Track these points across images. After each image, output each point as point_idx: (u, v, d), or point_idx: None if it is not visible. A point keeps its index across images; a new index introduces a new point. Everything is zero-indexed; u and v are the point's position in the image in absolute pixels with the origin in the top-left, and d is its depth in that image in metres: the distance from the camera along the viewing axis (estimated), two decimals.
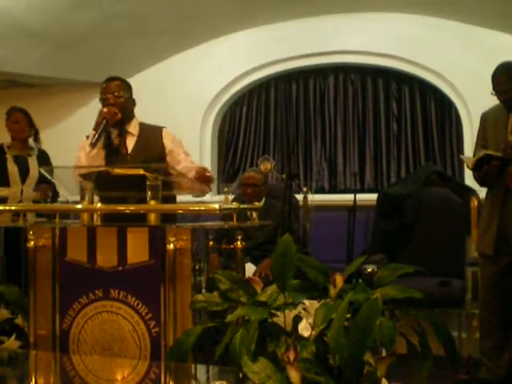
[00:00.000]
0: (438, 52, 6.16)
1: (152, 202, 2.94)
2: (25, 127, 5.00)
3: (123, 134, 3.63)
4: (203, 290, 2.91)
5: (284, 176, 4.72)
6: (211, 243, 3.12)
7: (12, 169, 4.95)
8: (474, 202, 4.83)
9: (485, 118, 4.00)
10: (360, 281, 2.65)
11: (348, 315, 2.29)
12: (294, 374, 2.09)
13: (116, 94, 3.65)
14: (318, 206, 5.59)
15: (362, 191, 6.40)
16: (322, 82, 6.82)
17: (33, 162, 5.02)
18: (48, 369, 3.10)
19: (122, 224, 3.08)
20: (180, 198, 3.75)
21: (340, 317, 2.23)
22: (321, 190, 6.63)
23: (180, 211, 3.15)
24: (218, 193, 6.71)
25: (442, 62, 6.16)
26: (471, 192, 4.99)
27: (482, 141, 3.98)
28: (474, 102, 5.75)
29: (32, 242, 3.12)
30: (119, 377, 2.85)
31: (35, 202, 4.77)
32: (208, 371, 2.64)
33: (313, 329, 2.31)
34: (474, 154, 3.96)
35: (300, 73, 6.85)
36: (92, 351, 3.01)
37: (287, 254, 2.45)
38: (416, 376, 2.43)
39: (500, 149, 3.74)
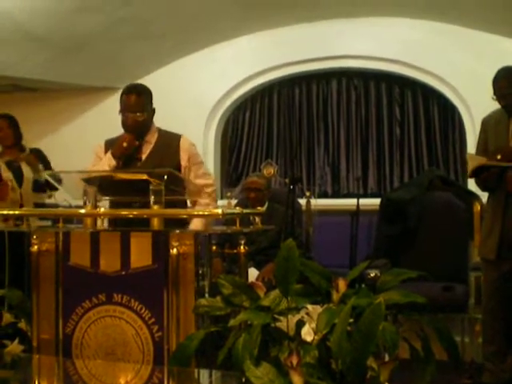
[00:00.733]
0: (440, 57, 6.16)
1: (155, 207, 2.94)
2: (8, 134, 5.00)
3: (140, 142, 3.61)
4: (206, 295, 2.91)
5: (287, 180, 4.72)
6: (214, 248, 3.12)
7: (6, 175, 4.94)
8: (477, 207, 4.82)
9: (485, 123, 4.00)
10: (363, 285, 2.65)
11: (351, 320, 2.29)
12: (296, 379, 2.09)
13: (136, 114, 3.55)
14: (321, 211, 5.60)
15: (365, 196, 6.40)
16: (324, 87, 6.82)
17: (26, 165, 5.01)
18: (51, 373, 3.10)
19: (125, 229, 3.08)
20: None
21: (343, 321, 2.23)
22: (324, 195, 6.63)
23: (183, 216, 3.15)
24: (221, 197, 6.72)
25: (445, 67, 6.16)
26: (474, 197, 4.98)
27: (482, 145, 3.98)
28: (476, 106, 5.74)
29: (35, 247, 3.12)
30: (122, 381, 2.85)
31: (36, 205, 4.76)
32: (211, 376, 2.64)
33: (316, 333, 2.31)
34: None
35: (303, 77, 6.86)
36: (95, 355, 3.01)
37: (290, 259, 2.46)
38: (419, 381, 2.43)
39: (500, 154, 3.74)
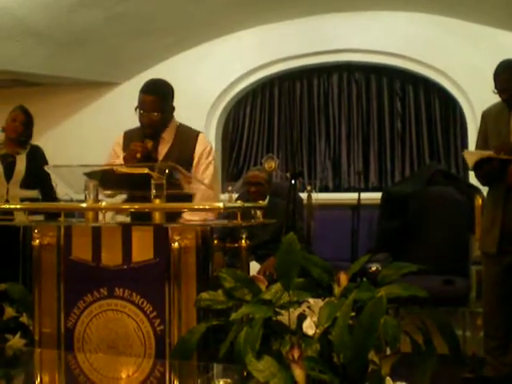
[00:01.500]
0: (442, 50, 6.16)
1: (157, 201, 2.94)
2: (19, 129, 4.99)
3: (157, 140, 3.58)
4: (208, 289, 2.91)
5: (288, 175, 4.72)
6: (216, 242, 3.11)
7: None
8: (479, 201, 4.82)
9: (486, 116, 3.99)
10: (364, 279, 2.65)
11: (352, 313, 2.29)
12: (298, 372, 2.09)
13: (152, 113, 3.50)
14: (322, 205, 5.60)
15: (366, 190, 6.40)
16: (325, 81, 6.82)
17: (21, 160, 4.99)
18: (53, 367, 3.11)
19: (127, 223, 3.09)
20: None
21: (344, 315, 2.24)
22: (325, 189, 6.64)
23: (184, 209, 3.15)
24: (223, 191, 6.72)
25: (447, 61, 6.16)
26: (475, 190, 4.98)
27: (483, 139, 3.98)
28: (478, 100, 5.74)
29: (37, 241, 3.12)
30: (124, 375, 2.86)
31: (22, 200, 4.73)
32: (212, 369, 2.64)
33: (317, 327, 2.31)
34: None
35: (304, 71, 6.86)
36: (97, 349, 3.01)
37: (291, 253, 2.46)
38: (420, 374, 2.43)
39: (503, 150, 3.73)
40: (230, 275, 2.60)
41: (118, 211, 3.32)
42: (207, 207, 3.13)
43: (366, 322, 2.17)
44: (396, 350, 2.25)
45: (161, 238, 2.93)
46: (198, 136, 3.63)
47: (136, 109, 3.56)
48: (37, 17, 5.60)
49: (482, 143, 3.96)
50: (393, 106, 6.62)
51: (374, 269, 3.88)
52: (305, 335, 2.33)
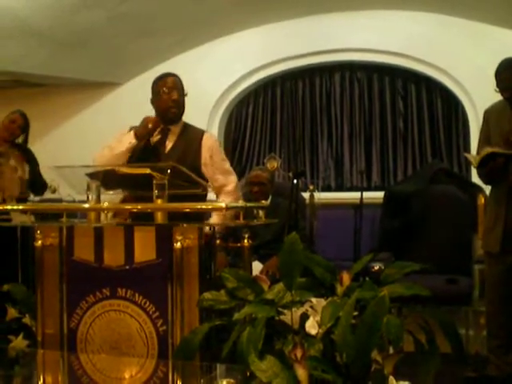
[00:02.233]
0: (444, 49, 6.16)
1: (159, 201, 2.94)
2: (14, 132, 5.01)
3: (166, 131, 3.61)
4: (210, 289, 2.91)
5: (290, 174, 4.72)
6: (218, 242, 3.11)
7: None
8: (481, 199, 4.82)
9: (488, 115, 3.98)
10: (367, 279, 2.65)
11: (355, 313, 2.29)
12: (301, 372, 2.09)
13: (175, 92, 3.59)
14: (325, 204, 5.60)
15: (369, 189, 6.40)
16: (327, 80, 6.82)
17: (14, 161, 5.01)
18: (56, 368, 3.11)
19: (129, 223, 3.08)
20: None
21: (347, 314, 2.23)
22: (327, 188, 6.63)
23: (187, 209, 3.15)
24: None
25: (449, 60, 6.15)
26: (478, 189, 4.98)
27: (485, 137, 3.97)
28: (480, 99, 5.73)
29: (39, 241, 3.12)
30: (127, 375, 2.86)
31: (18, 200, 4.76)
32: (215, 369, 2.64)
33: (320, 327, 2.31)
34: (478, 151, 3.95)
35: (306, 71, 6.86)
36: (100, 350, 3.01)
37: (294, 252, 2.45)
38: (423, 373, 2.43)
39: (504, 143, 3.72)
40: (232, 275, 2.60)
41: (119, 212, 3.32)
42: (210, 207, 3.13)
43: (369, 322, 2.17)
44: (399, 350, 2.25)
45: (163, 238, 2.93)
46: (203, 134, 3.70)
47: (152, 101, 3.62)
48: (39, 17, 5.60)
49: (484, 142, 3.95)
50: (395, 105, 6.62)
51: (376, 268, 3.87)
52: (307, 335, 2.33)
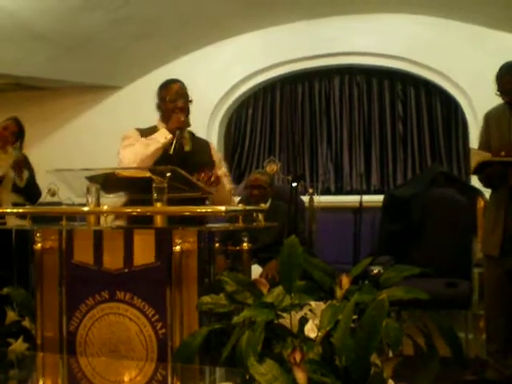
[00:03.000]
0: (443, 53, 6.17)
1: (158, 204, 2.94)
2: (8, 138, 5.01)
3: (182, 135, 3.62)
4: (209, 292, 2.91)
5: (290, 177, 4.72)
6: (217, 245, 3.11)
7: None
8: (481, 203, 4.82)
9: (488, 118, 3.99)
10: (366, 282, 2.65)
11: (354, 316, 2.29)
12: (300, 375, 2.09)
13: (185, 98, 3.63)
14: (324, 208, 5.60)
15: (368, 192, 6.41)
16: (327, 84, 6.83)
17: (8, 166, 5.00)
18: (55, 371, 3.11)
19: (128, 226, 3.09)
20: None
21: (346, 318, 2.23)
22: (327, 192, 6.64)
23: (186, 213, 3.15)
24: None
25: (448, 63, 6.16)
26: (477, 192, 4.98)
27: (485, 141, 3.97)
28: (479, 102, 5.74)
29: (39, 244, 3.12)
30: (126, 378, 2.86)
31: (14, 204, 4.76)
32: (214, 373, 2.64)
33: (319, 330, 2.31)
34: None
35: (305, 74, 6.86)
36: (99, 353, 3.01)
37: (293, 256, 2.45)
38: (422, 377, 2.43)
39: (504, 151, 3.72)
40: (231, 278, 2.60)
41: (119, 215, 3.32)
42: (209, 210, 3.13)
43: (368, 325, 2.16)
44: (398, 353, 2.25)
45: (162, 242, 2.94)
46: (209, 143, 3.91)
47: (158, 106, 3.66)
48: (39, 20, 5.61)
49: (484, 145, 3.95)
50: (394, 108, 6.63)
51: (375, 271, 3.87)
52: (307, 338, 2.33)
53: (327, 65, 6.67)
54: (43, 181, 5.10)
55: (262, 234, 4.67)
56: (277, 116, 6.99)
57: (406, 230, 5.18)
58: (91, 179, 3.10)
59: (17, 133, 5.02)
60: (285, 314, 2.43)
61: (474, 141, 5.93)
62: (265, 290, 2.56)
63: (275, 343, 2.40)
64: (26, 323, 3.30)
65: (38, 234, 3.14)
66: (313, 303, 2.44)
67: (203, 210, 3.17)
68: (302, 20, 6.46)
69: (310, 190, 5.51)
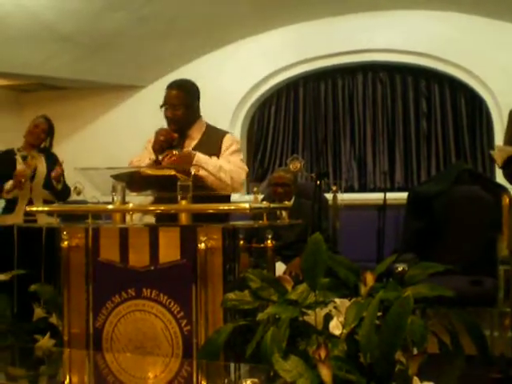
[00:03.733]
0: (467, 49, 6.12)
1: (183, 202, 2.96)
2: (39, 137, 5.07)
3: (183, 137, 3.61)
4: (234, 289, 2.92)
5: (313, 175, 4.71)
6: (241, 242, 3.12)
7: (20, 168, 4.98)
8: (506, 200, 4.78)
9: None
10: (391, 279, 2.65)
11: (379, 313, 2.29)
12: (325, 372, 2.10)
13: (175, 108, 3.56)
14: (348, 205, 5.58)
15: (392, 190, 6.37)
16: (350, 81, 6.80)
17: (41, 162, 5.05)
18: (82, 367, 3.14)
19: (154, 224, 3.11)
20: None
21: (371, 315, 2.24)
22: (350, 189, 6.62)
23: (210, 211, 3.16)
24: (248, 192, 6.73)
25: (472, 59, 6.11)
26: (503, 189, 4.93)
27: (510, 137, 3.93)
28: (504, 98, 5.70)
29: (66, 242, 3.16)
30: (152, 375, 2.88)
31: (45, 201, 4.81)
32: (239, 369, 2.66)
33: (344, 327, 2.31)
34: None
35: (328, 72, 6.84)
36: (125, 349, 3.04)
37: (317, 253, 2.46)
38: (447, 375, 2.42)
39: None
40: (256, 275, 2.62)
41: (145, 212, 3.35)
42: (233, 208, 3.14)
43: (393, 322, 2.17)
44: (423, 350, 2.25)
45: (187, 239, 2.96)
46: (224, 135, 3.66)
47: (161, 107, 3.61)
48: (63, 22, 5.66)
49: (509, 142, 3.91)
50: (418, 105, 6.59)
51: (400, 269, 3.86)
52: (331, 335, 2.34)
53: (350, 62, 6.64)
54: (68, 180, 5.15)
55: (285, 232, 4.67)
56: (300, 114, 6.98)
57: (430, 227, 5.15)
58: (116, 178, 3.13)
59: (47, 130, 5.09)
60: (309, 311, 2.44)
61: (498, 137, 5.90)
62: (289, 287, 2.57)
63: (300, 340, 2.41)
64: (53, 320, 3.34)
65: (64, 232, 3.18)
66: (337, 300, 2.44)
67: (227, 208, 3.18)
68: (324, 17, 6.44)
69: (334, 188, 5.51)
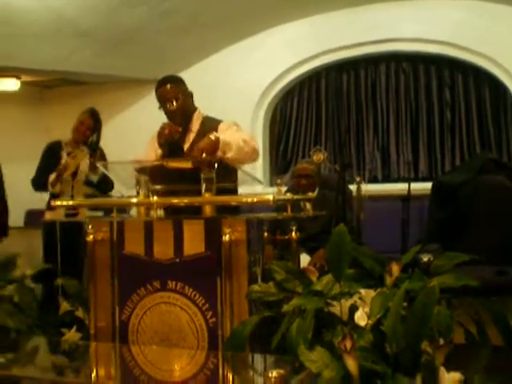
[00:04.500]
0: (491, 38, 6.05)
1: (207, 195, 2.97)
2: (84, 134, 5.08)
3: (185, 130, 3.62)
4: (259, 281, 2.93)
5: (337, 166, 4.70)
6: (265, 234, 3.12)
7: (64, 163, 5.01)
8: None
9: None
10: (416, 270, 2.64)
11: (404, 304, 2.29)
12: (351, 363, 2.10)
13: (174, 98, 3.57)
14: (372, 196, 5.56)
15: (416, 180, 6.33)
16: (373, 71, 6.77)
17: (84, 160, 5.08)
18: (108, 360, 3.16)
19: (178, 216, 3.12)
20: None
21: (396, 305, 2.23)
22: (374, 180, 6.59)
23: (234, 203, 3.17)
24: (271, 185, 6.73)
25: (496, 48, 6.05)
26: None
27: None
28: None
29: (91, 236, 3.18)
30: (177, 367, 2.89)
31: (87, 196, 4.84)
32: (265, 360, 2.66)
33: (369, 318, 2.31)
34: None
35: (351, 62, 6.81)
36: (150, 342, 3.06)
37: (342, 244, 2.46)
38: (474, 365, 2.41)
39: None
40: (281, 267, 2.62)
41: (169, 205, 3.36)
42: (256, 200, 3.14)
43: (419, 312, 2.16)
44: (449, 341, 2.24)
45: (212, 231, 2.97)
46: (219, 123, 3.63)
47: (160, 107, 3.64)
48: (84, 17, 5.69)
49: None
50: (442, 95, 6.53)
51: (426, 259, 3.84)
52: (357, 326, 2.34)
53: (373, 52, 6.61)
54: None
55: (309, 223, 4.66)
56: (322, 105, 6.96)
57: (454, 217, 5.11)
58: (140, 171, 3.14)
59: (92, 126, 5.08)
60: (334, 302, 2.44)
61: None
62: (314, 279, 2.57)
63: (325, 331, 2.41)
64: (79, 313, 3.37)
65: (89, 226, 3.20)
66: (363, 291, 2.44)
67: (250, 200, 3.17)
68: (347, 7, 6.41)
69: (358, 179, 5.48)
